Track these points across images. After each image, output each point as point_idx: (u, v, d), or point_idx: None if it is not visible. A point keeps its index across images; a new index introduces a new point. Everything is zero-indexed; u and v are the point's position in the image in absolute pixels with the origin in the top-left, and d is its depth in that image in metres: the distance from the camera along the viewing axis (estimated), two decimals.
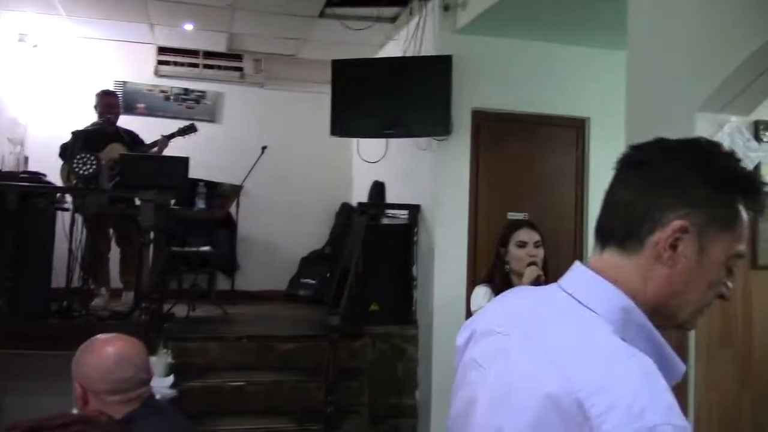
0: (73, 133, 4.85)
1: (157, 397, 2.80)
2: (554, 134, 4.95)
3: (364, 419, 4.13)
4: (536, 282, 2.56)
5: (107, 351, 1.68)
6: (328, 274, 6.17)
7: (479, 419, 0.94)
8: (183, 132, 5.15)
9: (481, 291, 2.73)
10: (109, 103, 5.10)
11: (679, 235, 0.88)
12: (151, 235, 3.58)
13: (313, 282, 6.41)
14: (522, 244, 2.73)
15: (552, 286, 0.99)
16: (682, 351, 3.33)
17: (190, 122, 5.32)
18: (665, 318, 0.91)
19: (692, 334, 3.28)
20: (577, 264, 0.99)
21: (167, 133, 5.13)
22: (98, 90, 5.22)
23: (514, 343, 0.93)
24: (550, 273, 2.73)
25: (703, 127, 3.31)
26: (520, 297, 1.07)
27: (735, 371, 3.34)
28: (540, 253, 2.74)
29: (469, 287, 4.72)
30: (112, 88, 5.99)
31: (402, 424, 4.68)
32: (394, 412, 4.66)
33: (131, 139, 5.07)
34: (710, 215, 0.88)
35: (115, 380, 1.65)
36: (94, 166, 3.96)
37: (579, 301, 0.91)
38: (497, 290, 2.62)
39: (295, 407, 3.82)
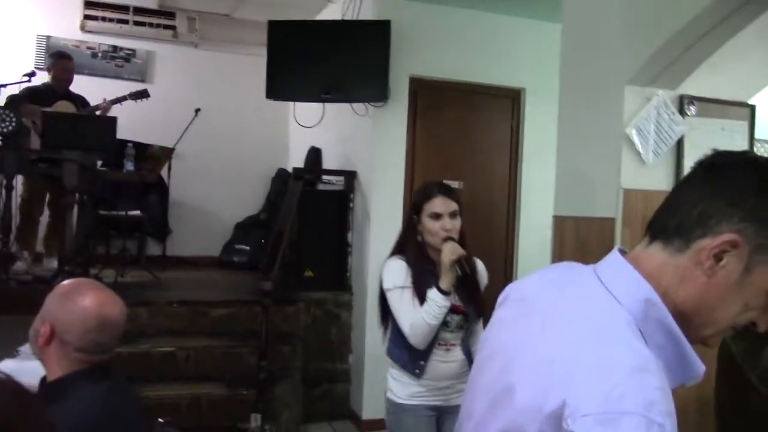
0: (23, 89, 4.70)
1: None
2: (490, 104, 5.00)
3: (296, 384, 4.14)
4: (458, 262, 2.27)
5: (96, 310, 1.58)
6: (263, 241, 6.10)
7: (493, 374, 0.99)
8: (135, 96, 4.99)
9: (397, 265, 2.39)
10: (64, 67, 4.93)
11: (727, 248, 0.85)
12: (75, 196, 3.43)
13: (248, 248, 6.34)
14: (436, 216, 2.34)
15: (589, 268, 0.99)
16: None
17: (143, 87, 5.17)
18: (690, 328, 0.90)
19: None
20: (614, 250, 0.99)
21: (100, 93, 4.97)
22: (52, 52, 5.07)
23: (535, 313, 0.97)
24: (468, 245, 2.42)
25: (631, 100, 3.40)
26: (558, 272, 1.09)
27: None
28: (456, 224, 2.36)
29: None
30: (34, 43, 5.71)
31: (335, 389, 4.73)
32: (328, 376, 4.69)
33: (80, 103, 4.91)
34: (763, 236, 0.85)
35: (88, 340, 1.57)
36: (13, 123, 3.76)
37: (605, 287, 0.92)
38: (412, 263, 2.39)
39: (226, 373, 3.79)
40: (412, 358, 2.38)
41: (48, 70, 4.99)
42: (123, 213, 5.48)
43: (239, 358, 3.85)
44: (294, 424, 4.07)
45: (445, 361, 2.38)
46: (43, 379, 1.62)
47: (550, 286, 1.02)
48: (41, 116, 4.25)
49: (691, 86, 3.48)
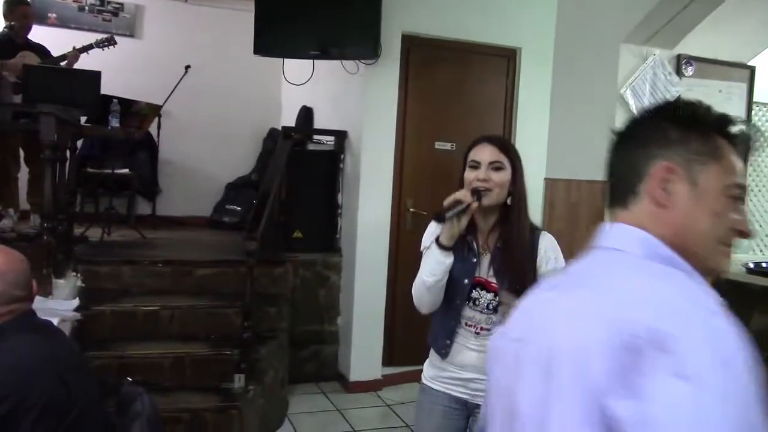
0: None
1: (58, 320, 2.69)
2: (485, 63, 4.87)
3: (283, 345, 4.12)
4: (451, 209, 1.89)
5: None
6: (254, 201, 6.03)
7: (533, 352, 0.95)
8: (100, 44, 4.78)
9: (432, 227, 2.09)
10: (23, 13, 4.70)
11: (666, 176, 0.94)
12: (54, 152, 3.35)
13: (239, 209, 6.27)
14: (474, 165, 1.97)
15: (591, 252, 1.02)
16: None
17: (109, 34, 4.97)
18: (691, 260, 0.95)
19: None
20: (601, 226, 1.05)
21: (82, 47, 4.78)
22: None
23: (577, 282, 0.97)
24: (519, 210, 1.99)
25: (627, 59, 3.30)
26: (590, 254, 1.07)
27: None
28: (498, 178, 1.94)
29: (395, 215, 4.71)
30: None
31: (323, 350, 4.71)
32: (316, 338, 4.68)
33: (42, 53, 4.71)
34: (689, 151, 0.95)
35: None
36: None
37: (610, 248, 0.98)
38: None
39: (211, 333, 3.75)
40: (441, 335, 2.07)
41: (4, 16, 4.70)
42: (110, 171, 5.40)
43: (224, 319, 3.81)
44: (280, 384, 4.06)
45: (473, 348, 2.01)
46: None
47: (583, 267, 1.01)
48: (22, 70, 4.14)
49: (689, 46, 3.37)
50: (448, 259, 1.95)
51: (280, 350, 4.07)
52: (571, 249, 3.76)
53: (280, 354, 4.05)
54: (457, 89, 4.82)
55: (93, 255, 4.19)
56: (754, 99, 3.65)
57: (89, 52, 4.74)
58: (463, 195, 1.91)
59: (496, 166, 1.95)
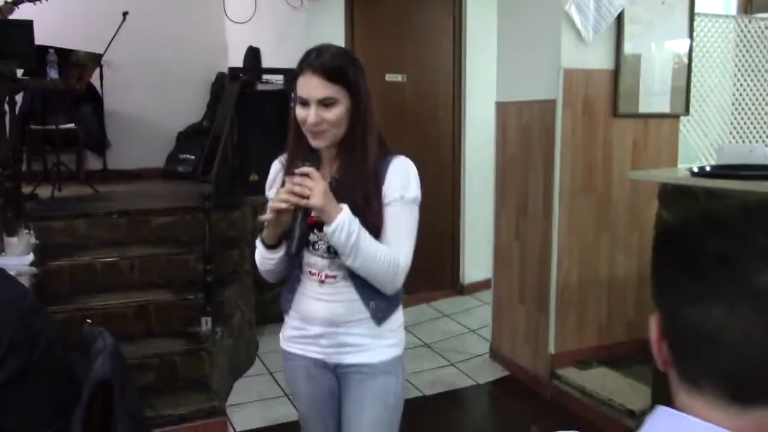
0: None
1: (13, 274, 2.64)
2: None
3: (247, 286, 4.13)
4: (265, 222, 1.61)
5: None
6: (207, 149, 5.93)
7: None
8: None
9: (273, 172, 1.77)
10: None
11: None
12: None
13: (192, 157, 6.16)
14: (303, 102, 1.57)
15: None
16: (546, 197, 3.49)
17: None
18: None
19: (556, 181, 3.43)
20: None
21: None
22: None
23: None
24: (362, 146, 1.62)
25: None
26: None
27: (594, 214, 3.56)
28: (331, 116, 1.56)
29: None
30: None
31: None
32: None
33: None
34: None
35: None
36: None
37: None
38: (285, 163, 1.72)
39: (173, 279, 3.74)
40: (285, 289, 1.79)
41: None
42: (54, 126, 5.23)
43: (185, 265, 3.79)
44: (247, 326, 4.10)
45: (320, 298, 1.68)
46: None
47: None
48: None
49: None
50: (276, 254, 1.66)
51: (245, 292, 4.08)
52: (526, 172, 3.79)
53: (245, 296, 4.07)
54: (405, 20, 4.76)
55: (45, 211, 4.09)
56: (696, 10, 3.68)
57: (19, 6, 4.53)
58: (284, 199, 1.51)
59: (327, 103, 1.55)
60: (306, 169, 1.53)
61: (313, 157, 1.59)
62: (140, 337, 3.42)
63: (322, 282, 1.68)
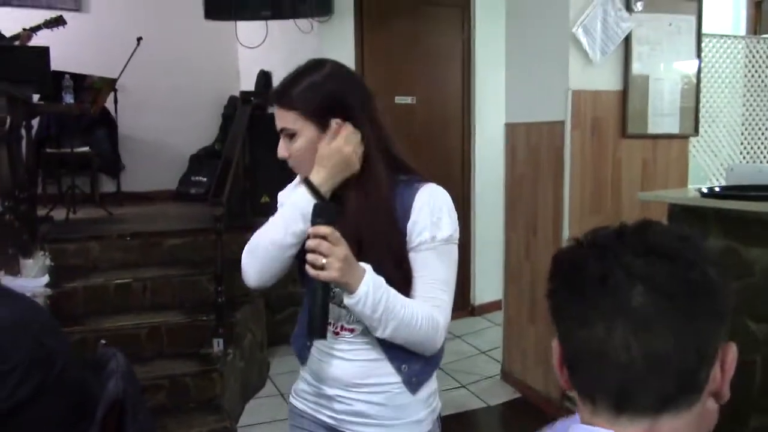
0: None
1: (28, 296, 2.68)
2: (439, 14, 4.87)
3: (258, 308, 4.15)
4: None
5: None
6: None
7: None
8: (49, 24, 4.68)
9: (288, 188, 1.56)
10: None
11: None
12: (8, 131, 3.28)
13: (205, 179, 6.23)
14: (280, 131, 1.38)
15: None
16: (556, 217, 3.50)
17: (58, 14, 4.85)
18: None
19: (566, 201, 3.44)
20: None
21: (26, 25, 4.66)
22: None
23: None
24: (369, 176, 1.36)
25: None
26: None
27: None
28: (296, 147, 1.34)
29: None
30: None
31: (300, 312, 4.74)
32: (291, 300, 4.70)
33: None
34: None
35: None
36: None
37: None
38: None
39: (185, 300, 3.77)
40: (300, 332, 1.53)
41: None
42: (69, 150, 5.31)
43: (197, 286, 3.82)
44: (259, 347, 4.11)
45: (334, 354, 1.40)
46: None
47: None
48: None
49: None
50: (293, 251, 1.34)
51: (256, 313, 4.10)
52: (535, 192, 3.80)
53: (256, 317, 4.08)
54: (414, 42, 4.82)
55: (59, 234, 4.14)
56: (703, 31, 3.71)
57: (37, 33, 4.63)
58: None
59: (288, 134, 1.35)
60: (322, 230, 1.21)
61: (327, 210, 1.25)
62: (152, 358, 3.43)
63: (336, 334, 1.39)
